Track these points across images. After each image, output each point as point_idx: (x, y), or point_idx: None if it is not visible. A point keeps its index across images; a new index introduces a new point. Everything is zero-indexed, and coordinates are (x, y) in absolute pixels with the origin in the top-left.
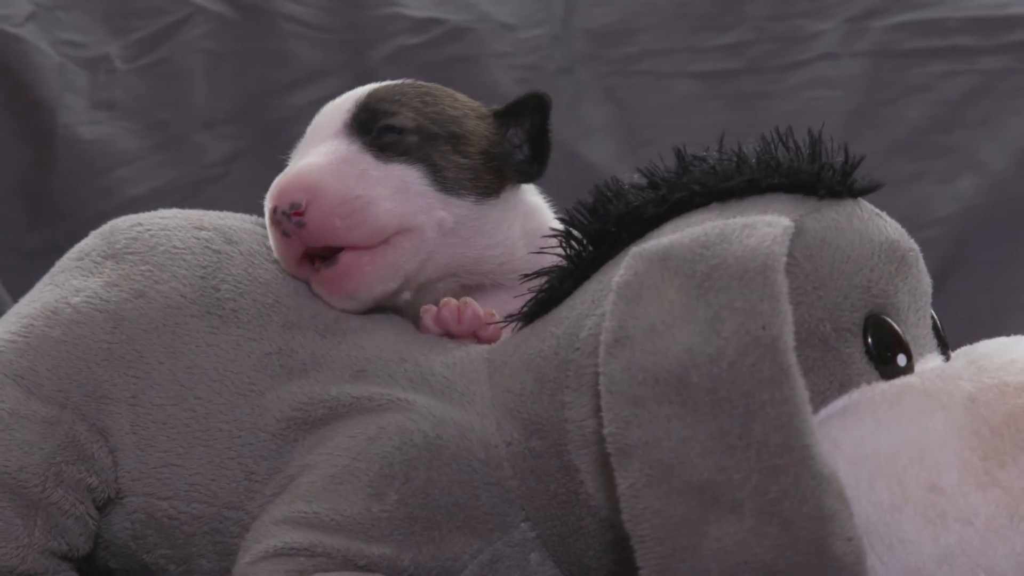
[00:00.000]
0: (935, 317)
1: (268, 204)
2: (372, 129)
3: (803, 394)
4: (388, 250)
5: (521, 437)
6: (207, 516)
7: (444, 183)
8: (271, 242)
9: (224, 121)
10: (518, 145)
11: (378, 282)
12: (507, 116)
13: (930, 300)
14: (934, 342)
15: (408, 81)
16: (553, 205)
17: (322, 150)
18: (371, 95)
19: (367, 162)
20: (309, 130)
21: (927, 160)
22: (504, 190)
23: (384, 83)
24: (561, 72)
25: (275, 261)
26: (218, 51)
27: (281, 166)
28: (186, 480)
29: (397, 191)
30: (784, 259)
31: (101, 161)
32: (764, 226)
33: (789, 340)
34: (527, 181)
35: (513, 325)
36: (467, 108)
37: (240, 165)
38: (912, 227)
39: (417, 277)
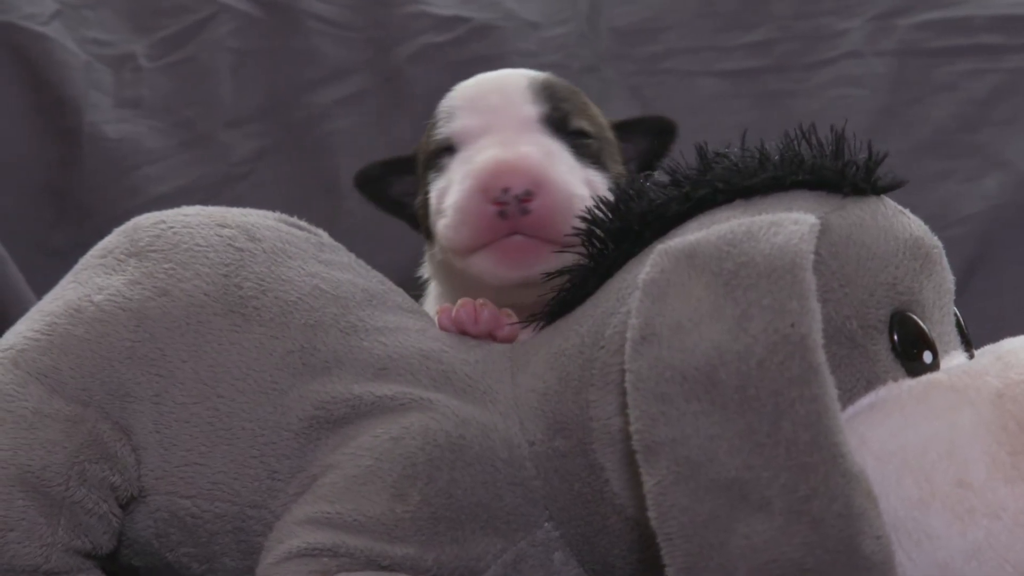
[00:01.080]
0: (958, 314)
1: (493, 181)
2: (566, 129)
3: (832, 392)
4: None
5: (545, 436)
6: (230, 515)
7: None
8: (464, 210)
9: (250, 119)
10: (626, 162)
11: (545, 266)
12: (623, 130)
13: (953, 297)
14: (958, 339)
15: (551, 76)
16: None
17: (531, 140)
18: (550, 89)
19: (572, 163)
20: (471, 105)
21: (953, 159)
22: None
23: (541, 74)
24: (586, 71)
25: (296, 258)
26: (243, 49)
27: (308, 164)
28: (209, 479)
29: (591, 195)
30: (811, 257)
31: (127, 159)
32: (791, 224)
33: (818, 338)
34: None
35: (533, 325)
36: (601, 116)
37: (266, 163)
38: (938, 226)
39: None
